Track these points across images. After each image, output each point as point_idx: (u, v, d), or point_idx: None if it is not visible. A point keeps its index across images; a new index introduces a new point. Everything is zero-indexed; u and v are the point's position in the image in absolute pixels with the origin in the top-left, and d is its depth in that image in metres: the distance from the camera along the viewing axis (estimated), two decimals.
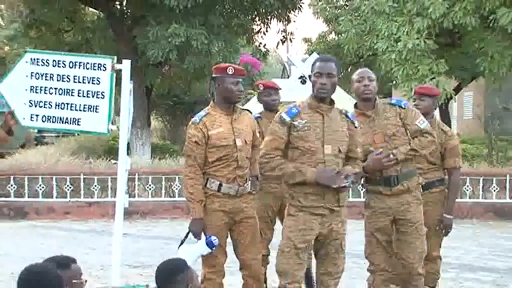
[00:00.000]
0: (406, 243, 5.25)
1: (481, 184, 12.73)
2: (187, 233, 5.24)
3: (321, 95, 4.77)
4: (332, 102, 4.82)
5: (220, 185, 5.20)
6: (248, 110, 5.58)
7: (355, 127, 4.87)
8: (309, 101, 4.84)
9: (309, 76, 4.94)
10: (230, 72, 5.25)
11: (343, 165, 4.78)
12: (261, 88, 6.48)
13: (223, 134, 5.16)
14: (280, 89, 6.55)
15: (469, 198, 12.59)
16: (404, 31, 12.28)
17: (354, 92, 5.43)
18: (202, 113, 5.35)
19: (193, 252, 5.12)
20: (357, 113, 5.28)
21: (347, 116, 4.87)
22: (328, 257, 4.84)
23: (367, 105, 5.29)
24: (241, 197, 5.19)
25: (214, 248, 5.13)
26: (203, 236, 5.14)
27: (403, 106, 5.30)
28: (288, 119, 4.76)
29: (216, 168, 5.20)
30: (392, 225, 5.29)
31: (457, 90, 19.39)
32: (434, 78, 13.17)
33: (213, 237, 5.11)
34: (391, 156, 5.11)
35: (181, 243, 5.24)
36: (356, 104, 5.38)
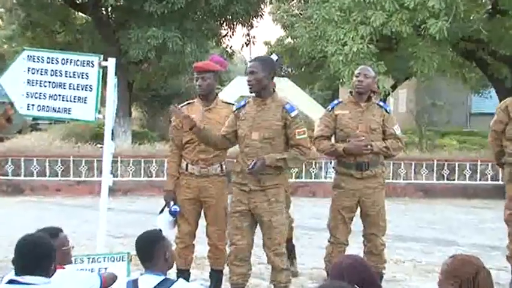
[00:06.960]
0: (371, 223, 5.28)
1: (413, 167, 12.87)
2: (165, 205, 5.27)
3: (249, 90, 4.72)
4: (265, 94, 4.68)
5: (187, 165, 5.19)
6: (232, 104, 5.22)
7: (291, 117, 4.64)
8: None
9: None
10: (195, 71, 5.26)
11: (272, 150, 4.60)
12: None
13: None
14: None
15: (403, 179, 12.67)
16: (350, 37, 12.32)
17: (351, 84, 5.43)
18: (185, 102, 5.34)
19: (163, 219, 5.22)
20: (350, 101, 5.29)
21: (284, 108, 4.65)
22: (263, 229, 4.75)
23: (361, 97, 5.27)
24: (207, 178, 5.11)
25: (176, 216, 5.16)
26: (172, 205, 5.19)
27: (388, 111, 5.35)
28: (235, 110, 4.83)
29: (186, 151, 5.20)
30: (357, 205, 5.27)
31: (394, 88, 19.61)
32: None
33: (173, 207, 5.16)
34: (369, 146, 5.11)
35: (161, 212, 5.31)
36: (351, 92, 5.35)
